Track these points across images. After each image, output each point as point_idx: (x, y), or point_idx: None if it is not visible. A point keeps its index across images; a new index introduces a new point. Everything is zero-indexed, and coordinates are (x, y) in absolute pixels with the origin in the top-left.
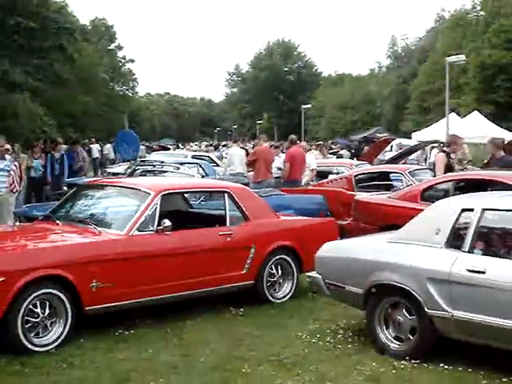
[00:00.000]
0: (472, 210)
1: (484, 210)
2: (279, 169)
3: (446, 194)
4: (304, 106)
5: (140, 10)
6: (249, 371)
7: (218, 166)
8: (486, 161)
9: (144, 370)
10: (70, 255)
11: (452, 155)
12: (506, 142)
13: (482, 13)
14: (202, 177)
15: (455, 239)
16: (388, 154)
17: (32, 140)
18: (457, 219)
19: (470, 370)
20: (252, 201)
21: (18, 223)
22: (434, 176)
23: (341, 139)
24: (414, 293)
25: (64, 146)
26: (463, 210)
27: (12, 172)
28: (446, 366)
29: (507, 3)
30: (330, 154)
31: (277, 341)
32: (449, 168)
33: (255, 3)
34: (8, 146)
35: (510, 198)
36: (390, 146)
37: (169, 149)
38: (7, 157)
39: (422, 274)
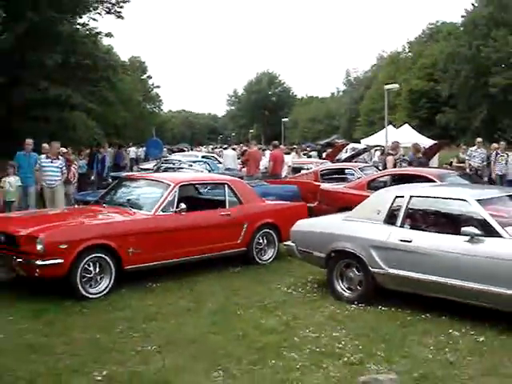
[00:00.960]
0: (403, 196)
1: (411, 196)
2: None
3: (384, 184)
4: (283, 120)
5: (165, 49)
6: (242, 313)
7: (220, 163)
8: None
9: (167, 312)
10: (113, 229)
11: (395, 156)
12: (424, 147)
13: (410, 54)
14: (209, 171)
15: (391, 218)
16: (344, 155)
17: (86, 145)
18: (392, 203)
19: (399, 310)
20: (245, 190)
21: (76, 206)
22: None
23: (311, 143)
24: (361, 256)
25: (110, 150)
26: (397, 197)
27: (73, 168)
28: (383, 308)
29: (428, 47)
30: (303, 154)
31: (262, 291)
32: (394, 165)
33: (249, 42)
34: (63, 149)
35: (429, 189)
36: (345, 148)
37: (185, 150)
38: (60, 158)
39: (367, 242)
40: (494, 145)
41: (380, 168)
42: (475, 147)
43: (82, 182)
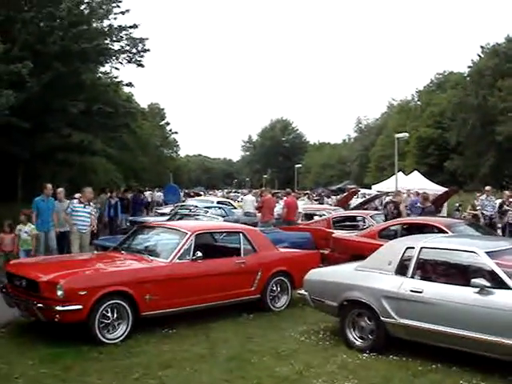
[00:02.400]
0: (413, 247)
1: (422, 248)
2: (278, 215)
3: (395, 233)
4: (296, 166)
5: (183, 95)
6: (256, 361)
7: (235, 208)
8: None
9: (182, 359)
10: (131, 276)
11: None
12: (436, 194)
13: (419, 102)
14: (223, 217)
15: (402, 268)
16: (355, 201)
17: (106, 188)
18: (403, 254)
19: (410, 359)
20: (259, 238)
21: (95, 251)
22: (385, 219)
23: (323, 188)
24: (373, 306)
25: (129, 195)
26: (407, 248)
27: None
28: (394, 357)
29: (436, 96)
30: (317, 199)
31: (276, 339)
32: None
33: (263, 90)
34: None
35: (439, 240)
36: (356, 195)
37: (201, 195)
38: (92, 204)
39: (379, 292)
40: (507, 192)
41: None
42: (485, 196)
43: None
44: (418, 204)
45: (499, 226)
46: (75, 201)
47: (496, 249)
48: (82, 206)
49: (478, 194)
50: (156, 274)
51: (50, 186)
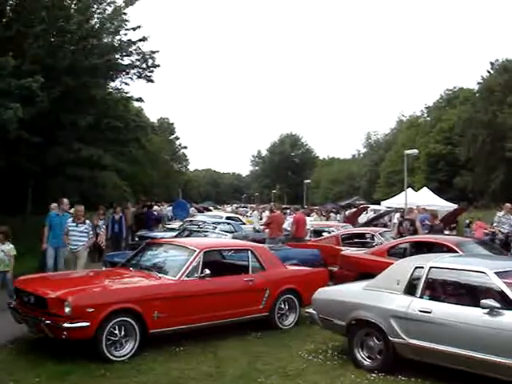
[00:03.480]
0: (422, 267)
1: (431, 267)
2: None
3: (404, 251)
4: (306, 181)
5: (192, 110)
6: (263, 380)
7: (244, 224)
8: None
9: (189, 377)
10: (138, 294)
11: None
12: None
13: (429, 118)
14: (232, 232)
15: (411, 288)
16: (364, 217)
17: (115, 202)
18: (412, 274)
19: (419, 380)
20: (267, 256)
21: (104, 268)
22: (400, 236)
23: (330, 204)
24: (381, 326)
25: (132, 210)
26: (416, 268)
27: (102, 232)
28: (403, 378)
29: (446, 112)
30: (325, 214)
31: (284, 357)
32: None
33: (272, 104)
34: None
35: (448, 260)
36: (366, 211)
37: (210, 210)
38: (87, 222)
39: (388, 312)
40: None
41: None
42: (503, 213)
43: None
44: (427, 221)
45: None
46: (70, 220)
47: (506, 269)
48: (75, 224)
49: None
50: (164, 291)
51: (66, 200)
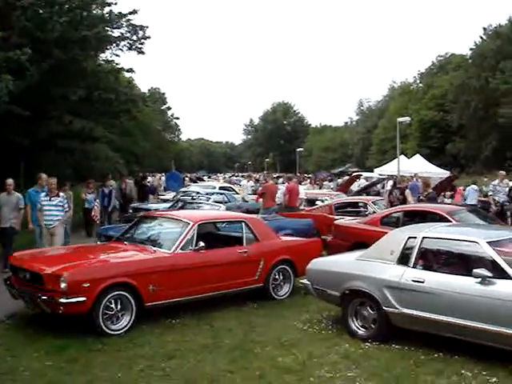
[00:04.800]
0: (415, 237)
1: (424, 237)
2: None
3: (397, 220)
4: (298, 149)
5: (184, 79)
6: (259, 351)
7: (237, 193)
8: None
9: (186, 349)
10: (134, 268)
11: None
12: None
13: (421, 85)
14: (225, 203)
15: (404, 258)
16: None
17: (109, 175)
18: (405, 244)
19: (412, 349)
20: (261, 227)
21: (98, 241)
22: (391, 205)
23: (324, 172)
24: (375, 295)
25: (129, 181)
26: (409, 238)
27: (96, 206)
28: (396, 346)
29: (438, 78)
30: (316, 183)
31: (279, 328)
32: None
33: (264, 73)
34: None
35: (441, 230)
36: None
37: (203, 180)
38: (61, 194)
39: (381, 282)
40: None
41: (395, 203)
42: (497, 181)
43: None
44: (418, 186)
45: (509, 214)
46: (42, 194)
47: (498, 238)
48: (48, 198)
49: (486, 179)
50: (159, 264)
51: (45, 176)
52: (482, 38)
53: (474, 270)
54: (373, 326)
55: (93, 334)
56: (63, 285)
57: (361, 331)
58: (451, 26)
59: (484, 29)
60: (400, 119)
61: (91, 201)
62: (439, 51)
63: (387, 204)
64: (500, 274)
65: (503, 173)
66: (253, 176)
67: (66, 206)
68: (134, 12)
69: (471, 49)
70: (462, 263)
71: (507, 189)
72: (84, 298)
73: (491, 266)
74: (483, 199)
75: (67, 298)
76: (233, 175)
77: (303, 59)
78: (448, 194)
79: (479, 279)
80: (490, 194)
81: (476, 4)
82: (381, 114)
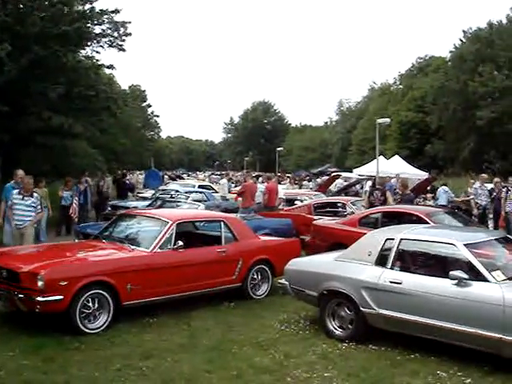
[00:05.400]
0: (393, 239)
1: (401, 239)
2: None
3: (376, 221)
4: (278, 149)
5: (164, 76)
6: (237, 351)
7: (216, 192)
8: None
9: (163, 349)
10: (112, 266)
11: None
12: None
13: (401, 86)
14: (205, 201)
15: (382, 259)
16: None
17: (87, 171)
18: (383, 245)
19: (389, 349)
20: (240, 227)
21: (75, 239)
22: (371, 206)
23: (304, 171)
24: (352, 296)
25: (108, 179)
26: (387, 239)
27: (74, 204)
28: (373, 347)
29: (418, 80)
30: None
31: (257, 327)
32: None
33: (245, 71)
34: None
35: (419, 231)
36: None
37: (183, 178)
38: (35, 194)
39: (359, 283)
40: (497, 179)
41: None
42: (478, 184)
43: (66, 216)
44: (396, 189)
45: (490, 216)
46: (15, 191)
47: (475, 241)
48: (21, 197)
49: (472, 181)
50: (137, 263)
51: (21, 172)
52: (461, 40)
53: (451, 272)
54: (350, 326)
55: (70, 332)
56: (40, 283)
57: (338, 331)
58: (431, 29)
59: (464, 32)
60: (379, 120)
61: (67, 198)
62: (419, 53)
63: (367, 205)
64: (476, 276)
65: (485, 176)
66: (230, 175)
67: (38, 207)
68: (116, 11)
69: (451, 51)
70: (439, 265)
71: (487, 192)
72: (61, 297)
73: (468, 268)
74: (465, 199)
75: (44, 297)
76: (212, 173)
77: (284, 58)
78: (429, 195)
79: (455, 281)
80: (471, 197)
81: (456, 7)
82: (360, 115)
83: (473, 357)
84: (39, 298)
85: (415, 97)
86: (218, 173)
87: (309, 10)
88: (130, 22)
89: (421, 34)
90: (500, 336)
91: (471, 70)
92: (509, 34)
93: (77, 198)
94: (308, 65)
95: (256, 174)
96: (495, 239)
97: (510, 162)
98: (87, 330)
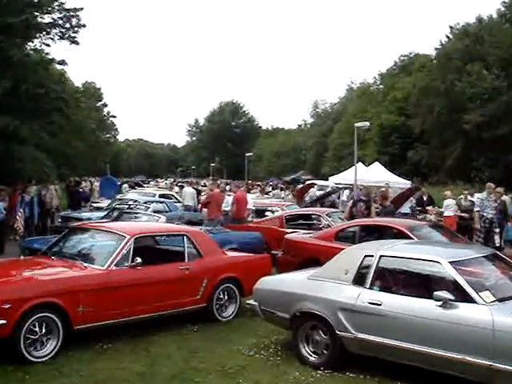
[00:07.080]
0: (372, 256)
1: (381, 256)
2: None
3: (353, 235)
4: (247, 154)
5: (121, 75)
6: (201, 380)
7: (179, 202)
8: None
9: (119, 379)
10: (61, 286)
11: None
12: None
13: (381, 86)
14: (166, 212)
15: (360, 278)
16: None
17: (34, 179)
18: (361, 262)
19: (368, 377)
20: (205, 241)
21: (21, 255)
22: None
23: (275, 179)
24: (328, 319)
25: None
26: (366, 256)
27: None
28: (351, 374)
29: (399, 80)
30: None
31: (223, 353)
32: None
33: (211, 71)
34: None
35: (400, 247)
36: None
37: (142, 186)
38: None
39: (335, 304)
40: (499, 189)
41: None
42: (484, 194)
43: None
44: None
45: (496, 230)
46: None
47: (461, 258)
48: None
49: (466, 192)
50: (90, 282)
51: None
52: (448, 37)
53: (435, 293)
54: (325, 351)
55: (14, 361)
56: None
57: (312, 357)
58: (416, 24)
59: (451, 27)
60: (358, 124)
61: (0, 210)
62: (402, 50)
63: (348, 217)
64: (463, 296)
65: (492, 185)
66: (194, 183)
67: None
68: None
69: (436, 49)
70: (422, 285)
71: (494, 204)
72: (4, 321)
73: (453, 288)
74: (461, 214)
75: None
76: (174, 181)
77: (255, 55)
78: (431, 208)
79: (440, 302)
80: (476, 209)
81: (443, 0)
82: (337, 117)
83: None
84: None
85: (397, 98)
86: (181, 180)
87: (282, 5)
88: (81, 9)
89: (404, 30)
90: (490, 363)
91: (458, 68)
92: (499, 30)
93: (21, 210)
94: (281, 62)
95: (224, 181)
96: (484, 256)
97: (500, 170)
98: (33, 359)
